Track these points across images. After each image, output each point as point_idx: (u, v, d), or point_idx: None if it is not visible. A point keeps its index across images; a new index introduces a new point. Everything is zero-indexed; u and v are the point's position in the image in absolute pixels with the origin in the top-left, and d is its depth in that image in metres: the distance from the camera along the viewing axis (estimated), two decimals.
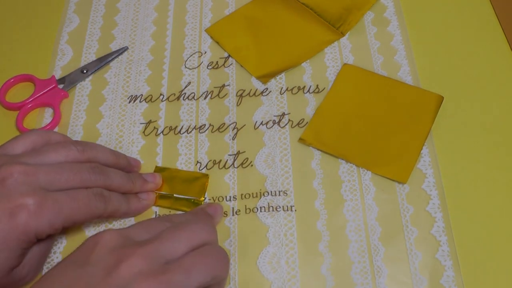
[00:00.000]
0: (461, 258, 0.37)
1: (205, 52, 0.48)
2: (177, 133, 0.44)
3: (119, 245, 0.29)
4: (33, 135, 0.37)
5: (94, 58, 0.48)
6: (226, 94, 0.46)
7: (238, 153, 0.42)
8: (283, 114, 0.44)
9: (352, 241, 0.38)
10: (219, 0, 0.52)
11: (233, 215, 0.39)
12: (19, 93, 0.47)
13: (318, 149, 0.42)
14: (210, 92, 0.46)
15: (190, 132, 0.44)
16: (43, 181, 0.33)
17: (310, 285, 0.36)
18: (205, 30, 0.50)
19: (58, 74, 0.48)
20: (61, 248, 0.38)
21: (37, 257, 0.35)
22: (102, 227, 0.39)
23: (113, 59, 0.48)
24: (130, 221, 0.39)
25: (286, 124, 0.43)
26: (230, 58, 0.48)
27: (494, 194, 0.39)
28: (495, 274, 0.36)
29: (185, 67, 0.48)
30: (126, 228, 0.32)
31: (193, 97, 0.46)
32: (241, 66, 0.47)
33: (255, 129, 0.43)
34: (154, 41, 0.49)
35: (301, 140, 0.42)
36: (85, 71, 0.47)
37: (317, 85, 0.45)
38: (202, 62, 0.48)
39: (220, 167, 0.42)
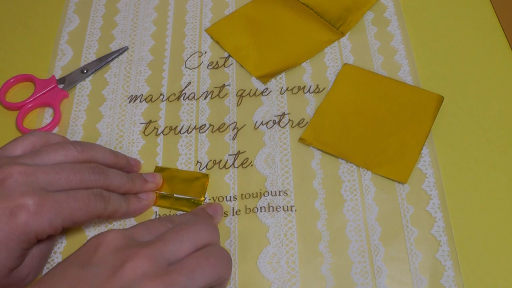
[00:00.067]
0: (461, 258, 0.37)
1: (205, 52, 0.48)
2: (177, 133, 0.44)
3: (123, 246, 0.29)
4: (32, 137, 0.37)
5: (94, 58, 0.48)
6: (226, 94, 0.46)
7: (238, 153, 0.42)
8: (283, 114, 0.44)
9: (352, 241, 0.38)
10: (219, 0, 0.52)
11: (233, 215, 0.39)
12: (19, 93, 0.47)
13: (318, 149, 0.42)
14: (210, 92, 0.46)
15: (190, 132, 0.44)
16: (42, 181, 0.33)
17: (310, 285, 0.36)
18: (205, 30, 0.50)
19: (58, 74, 0.48)
20: (61, 248, 0.38)
21: (38, 258, 0.35)
22: (102, 227, 0.39)
23: (113, 59, 0.48)
24: (131, 221, 0.39)
25: (286, 124, 0.43)
26: (230, 58, 0.48)
27: (494, 194, 0.39)
28: (495, 274, 0.36)
29: (185, 67, 0.48)
30: (128, 228, 0.32)
31: (193, 97, 0.46)
32: (241, 66, 0.47)
33: (255, 129, 0.43)
34: (154, 41, 0.49)
35: (301, 140, 0.42)
36: (85, 71, 0.47)
37: (317, 85, 0.45)
38: (202, 62, 0.48)
39: (220, 167, 0.42)
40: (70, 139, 0.44)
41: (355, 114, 0.43)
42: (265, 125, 0.43)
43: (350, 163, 0.41)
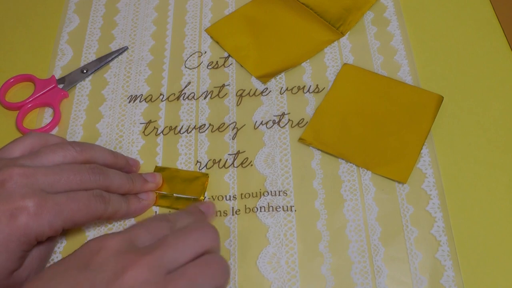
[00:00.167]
0: (461, 258, 0.37)
1: (205, 52, 0.48)
2: (177, 133, 0.44)
3: (124, 251, 0.29)
4: (31, 138, 0.37)
5: (94, 58, 0.48)
6: (226, 94, 0.46)
7: (238, 152, 0.42)
8: (283, 114, 0.44)
9: (352, 241, 0.38)
10: (219, 0, 0.52)
11: (233, 214, 0.39)
12: (19, 93, 0.47)
13: (318, 149, 0.42)
14: (210, 92, 0.46)
15: (190, 132, 0.44)
16: (42, 182, 0.33)
17: (310, 285, 0.36)
18: (205, 30, 0.50)
19: (58, 74, 0.48)
20: (61, 248, 0.38)
21: (38, 260, 0.35)
22: (102, 228, 0.39)
23: (113, 59, 0.48)
24: (131, 221, 0.39)
25: (286, 124, 0.43)
26: (230, 58, 0.48)
27: (494, 194, 0.39)
28: (495, 274, 0.36)
29: (185, 67, 0.48)
30: (127, 231, 0.31)
31: (193, 97, 0.46)
32: (241, 66, 0.47)
33: (255, 129, 0.43)
34: (154, 41, 0.49)
35: (301, 140, 0.42)
36: (85, 71, 0.47)
37: (317, 85, 0.45)
38: (202, 62, 0.48)
39: (220, 166, 0.42)
40: (70, 139, 0.44)
41: (355, 114, 0.43)
42: (265, 125, 0.43)
43: (350, 163, 0.41)
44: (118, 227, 0.39)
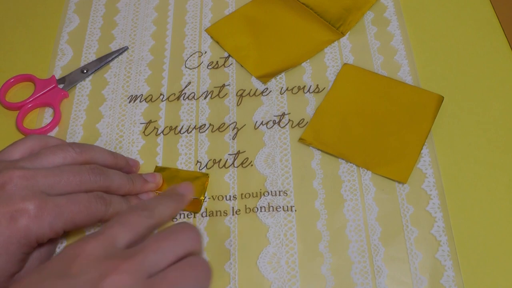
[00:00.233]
0: (461, 258, 0.37)
1: (205, 52, 0.48)
2: (177, 133, 0.44)
3: (102, 256, 0.28)
4: (30, 140, 0.37)
5: (94, 58, 0.48)
6: (226, 94, 0.46)
7: (238, 152, 0.42)
8: (283, 114, 0.44)
9: (352, 241, 0.38)
10: (219, 0, 0.52)
11: (233, 214, 0.39)
12: (19, 93, 0.47)
13: (318, 149, 0.42)
14: (210, 92, 0.46)
15: (190, 132, 0.44)
16: (42, 184, 0.33)
17: (310, 285, 0.36)
18: (205, 30, 0.50)
19: (58, 74, 0.48)
20: (61, 248, 0.38)
21: (38, 262, 0.34)
22: None
23: (113, 59, 0.48)
24: None
25: (286, 124, 0.43)
26: (230, 58, 0.48)
27: (494, 194, 0.39)
28: (495, 274, 0.36)
29: (185, 67, 0.48)
30: (105, 231, 0.30)
31: (193, 97, 0.46)
32: (241, 66, 0.47)
33: (255, 129, 0.43)
34: (154, 41, 0.49)
35: (301, 140, 0.42)
36: (85, 71, 0.47)
37: (317, 85, 0.45)
38: (202, 62, 0.48)
39: (220, 166, 0.42)
40: (70, 139, 0.44)
41: (355, 114, 0.43)
42: (265, 125, 0.43)
43: (350, 163, 0.41)
44: None
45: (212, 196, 0.40)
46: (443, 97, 0.44)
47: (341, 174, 0.41)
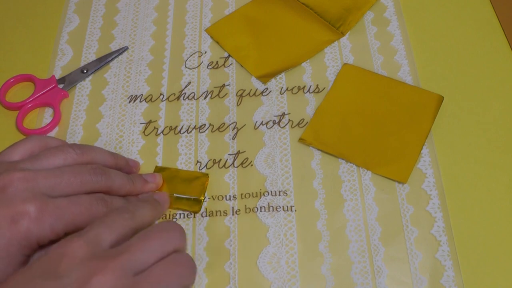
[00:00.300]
0: (461, 258, 0.37)
1: (205, 52, 0.48)
2: (177, 133, 0.44)
3: (88, 257, 0.29)
4: (30, 141, 0.37)
5: (94, 58, 0.48)
6: (226, 94, 0.46)
7: (238, 152, 0.42)
8: (283, 114, 0.44)
9: (352, 241, 0.38)
10: (219, 0, 0.52)
11: (233, 214, 0.39)
12: (19, 93, 0.47)
13: (318, 149, 0.42)
14: (210, 92, 0.46)
15: (190, 132, 0.44)
16: (43, 186, 0.33)
17: (310, 285, 0.36)
18: (205, 30, 0.50)
19: (58, 74, 0.48)
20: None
21: None
22: None
23: (113, 59, 0.48)
24: None
25: (286, 124, 0.43)
26: (230, 58, 0.48)
27: (494, 194, 0.39)
28: (495, 274, 0.36)
29: (185, 67, 0.48)
30: (89, 231, 0.30)
31: (193, 97, 0.46)
32: (241, 66, 0.47)
33: (255, 129, 0.43)
34: (154, 41, 0.49)
35: (301, 140, 0.42)
36: (85, 71, 0.47)
37: (317, 85, 0.45)
38: (202, 62, 0.48)
39: (220, 166, 0.42)
40: (70, 139, 0.44)
41: (355, 114, 0.43)
42: (265, 125, 0.43)
43: (350, 163, 0.41)
44: None
45: (212, 196, 0.40)
46: (443, 97, 0.44)
47: (341, 174, 0.41)
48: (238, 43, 0.48)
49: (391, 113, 0.43)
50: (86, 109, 0.46)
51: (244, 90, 0.46)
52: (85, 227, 0.35)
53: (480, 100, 0.44)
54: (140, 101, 0.46)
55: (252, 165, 0.41)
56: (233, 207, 0.40)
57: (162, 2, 0.52)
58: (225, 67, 0.47)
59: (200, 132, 0.44)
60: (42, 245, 0.34)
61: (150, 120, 0.45)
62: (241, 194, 0.40)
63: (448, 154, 0.41)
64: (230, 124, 0.44)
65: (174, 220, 0.39)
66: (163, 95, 0.46)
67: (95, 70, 0.48)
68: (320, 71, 0.46)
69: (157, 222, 0.35)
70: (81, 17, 0.52)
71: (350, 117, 0.43)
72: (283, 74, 0.46)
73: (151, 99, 0.46)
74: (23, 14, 0.52)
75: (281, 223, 0.39)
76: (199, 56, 0.48)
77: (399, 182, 0.40)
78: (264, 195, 0.40)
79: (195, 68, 0.47)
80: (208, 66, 0.47)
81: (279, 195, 0.40)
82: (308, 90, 0.45)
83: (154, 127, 0.44)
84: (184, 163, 0.42)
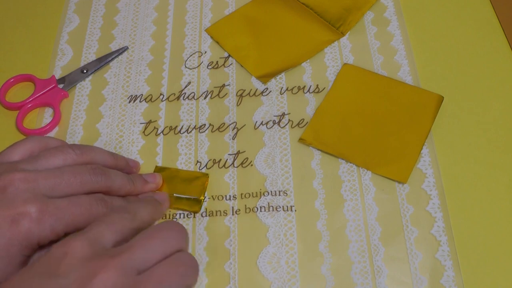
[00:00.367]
0: (461, 258, 0.37)
1: (205, 52, 0.48)
2: (177, 133, 0.44)
3: (90, 256, 0.28)
4: (30, 142, 0.37)
5: (94, 58, 0.48)
6: (226, 94, 0.46)
7: (238, 152, 0.42)
8: (283, 114, 0.44)
9: (352, 241, 0.38)
10: (219, 0, 0.52)
11: (233, 214, 0.39)
12: (19, 93, 0.47)
13: (318, 149, 0.42)
14: (210, 92, 0.46)
15: (190, 132, 0.44)
16: (43, 187, 0.33)
17: (310, 285, 0.36)
18: (205, 30, 0.50)
19: (58, 74, 0.48)
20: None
21: None
22: None
23: (113, 59, 0.48)
24: None
25: (286, 124, 0.43)
26: (230, 58, 0.48)
27: (494, 194, 0.39)
28: (495, 274, 0.36)
29: (185, 67, 0.48)
30: (90, 231, 0.30)
31: (193, 97, 0.46)
32: (241, 66, 0.47)
33: (255, 129, 0.43)
34: (154, 41, 0.49)
35: (301, 140, 0.42)
36: (85, 71, 0.47)
37: (317, 85, 0.45)
38: (202, 62, 0.48)
39: (220, 166, 0.42)
40: (70, 139, 0.44)
41: (355, 114, 0.43)
42: (265, 125, 0.43)
43: (350, 163, 0.41)
44: None
45: (212, 196, 0.40)
46: (443, 97, 0.44)
47: (341, 174, 0.41)
48: (238, 43, 0.48)
49: (391, 113, 0.43)
50: (86, 109, 0.46)
51: (244, 90, 0.46)
52: (85, 227, 0.35)
53: (480, 100, 0.44)
54: (140, 101, 0.46)
55: (252, 165, 0.41)
56: (233, 207, 0.40)
57: (162, 2, 0.52)
58: (225, 67, 0.47)
59: (200, 132, 0.44)
60: (42, 246, 0.34)
61: (150, 120, 0.45)
62: (241, 194, 0.40)
63: (448, 154, 0.41)
64: (230, 124, 0.44)
65: (174, 220, 0.39)
66: (163, 95, 0.46)
67: (95, 70, 0.48)
68: (320, 71, 0.46)
69: (157, 222, 0.35)
70: (81, 17, 0.52)
71: (350, 117, 0.43)
72: (283, 74, 0.46)
73: (151, 99, 0.46)
74: (23, 14, 0.52)
75: (281, 223, 0.39)
76: (199, 56, 0.48)
77: (399, 182, 0.40)
78: (264, 195, 0.40)
79: (195, 68, 0.47)
80: (208, 66, 0.47)
81: (279, 195, 0.40)
82: (308, 90, 0.45)
83: (154, 127, 0.44)
84: (184, 163, 0.42)
